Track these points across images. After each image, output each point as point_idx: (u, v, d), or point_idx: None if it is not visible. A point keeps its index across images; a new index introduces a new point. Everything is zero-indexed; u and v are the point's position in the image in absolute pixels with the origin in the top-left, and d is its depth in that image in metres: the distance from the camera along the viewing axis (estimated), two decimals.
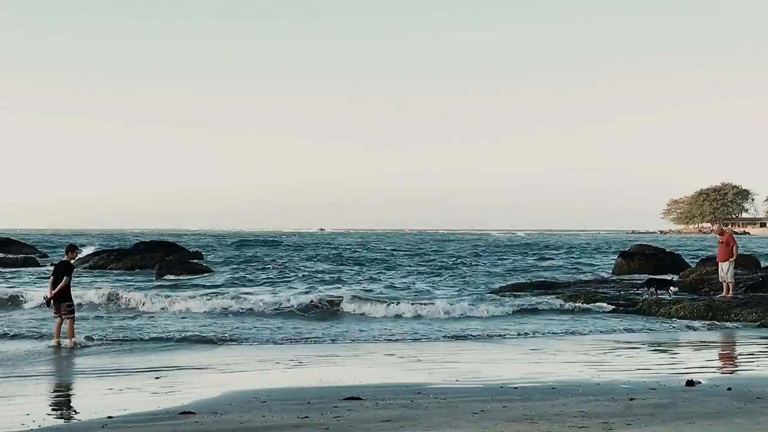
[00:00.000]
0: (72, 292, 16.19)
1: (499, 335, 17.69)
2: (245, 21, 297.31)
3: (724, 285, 23.30)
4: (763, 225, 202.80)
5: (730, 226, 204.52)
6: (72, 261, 16.37)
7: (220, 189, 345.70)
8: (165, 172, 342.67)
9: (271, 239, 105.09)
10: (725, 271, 23.20)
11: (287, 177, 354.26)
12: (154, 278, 33.86)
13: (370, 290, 28.74)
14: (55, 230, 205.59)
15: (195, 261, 42.27)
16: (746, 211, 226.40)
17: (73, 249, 16.51)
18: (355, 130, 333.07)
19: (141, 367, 12.99)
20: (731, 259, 23.22)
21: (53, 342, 15.62)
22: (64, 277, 15.83)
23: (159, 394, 10.58)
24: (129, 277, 34.42)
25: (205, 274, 36.53)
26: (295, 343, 16.29)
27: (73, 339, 15.59)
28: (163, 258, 39.43)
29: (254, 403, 9.22)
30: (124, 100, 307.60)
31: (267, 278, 35.02)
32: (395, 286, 31.02)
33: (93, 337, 16.42)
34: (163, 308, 22.20)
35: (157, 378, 11.86)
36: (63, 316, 15.76)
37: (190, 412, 8.66)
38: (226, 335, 17.19)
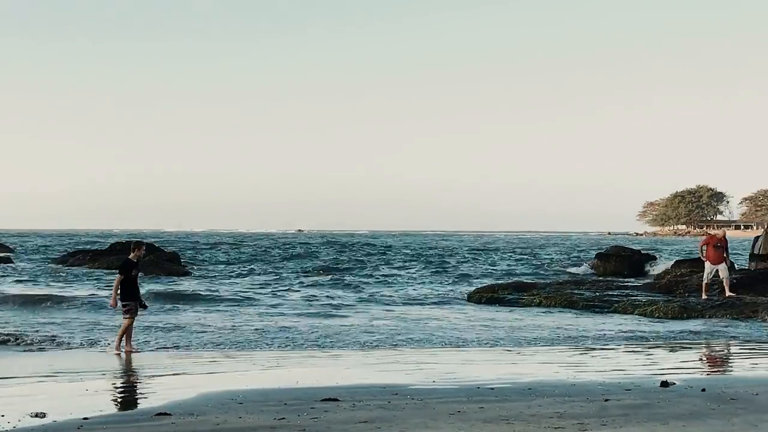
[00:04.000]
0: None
1: None
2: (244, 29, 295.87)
3: (705, 285, 23.57)
4: (737, 227, 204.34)
5: (705, 228, 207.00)
6: (134, 258, 15.70)
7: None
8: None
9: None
10: (722, 271, 23.48)
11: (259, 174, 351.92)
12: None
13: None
14: None
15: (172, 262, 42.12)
16: (721, 213, 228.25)
17: (139, 246, 16.04)
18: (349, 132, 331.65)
19: (117, 368, 12.94)
20: (727, 262, 23.71)
21: (124, 347, 15.17)
22: (117, 275, 15.55)
23: (135, 394, 10.54)
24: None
25: (182, 277, 36.40)
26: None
27: (130, 345, 15.09)
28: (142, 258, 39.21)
29: (231, 404, 9.19)
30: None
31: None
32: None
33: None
34: None
35: (132, 379, 11.82)
36: (123, 317, 15.39)
37: (166, 413, 8.63)
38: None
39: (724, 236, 24.55)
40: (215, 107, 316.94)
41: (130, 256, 15.79)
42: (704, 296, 23.32)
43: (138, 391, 10.99)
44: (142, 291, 16.07)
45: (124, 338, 15.22)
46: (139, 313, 15.59)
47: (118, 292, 15.32)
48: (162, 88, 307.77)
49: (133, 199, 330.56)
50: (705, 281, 23.83)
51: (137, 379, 12.24)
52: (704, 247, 24.17)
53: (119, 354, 14.96)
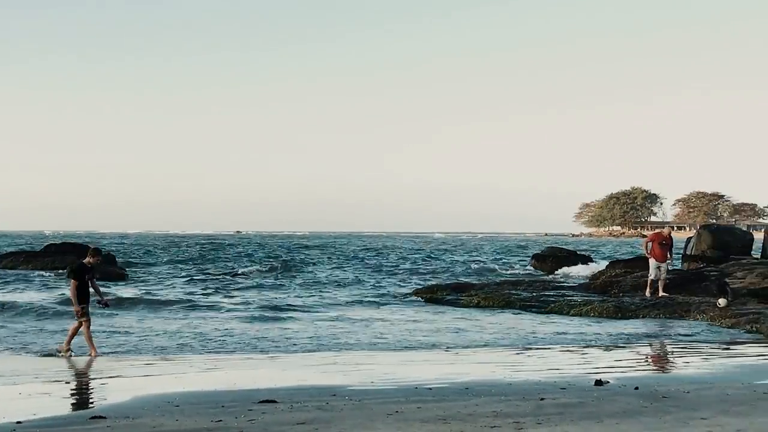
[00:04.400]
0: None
1: None
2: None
3: (650, 282, 23.77)
4: (671, 228, 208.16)
5: (639, 229, 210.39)
6: (88, 263, 15.47)
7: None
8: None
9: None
10: (663, 270, 23.81)
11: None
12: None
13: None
14: None
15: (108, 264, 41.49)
16: (655, 214, 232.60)
17: (95, 254, 15.75)
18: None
19: (51, 372, 12.74)
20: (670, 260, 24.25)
21: (61, 347, 15.08)
22: (72, 281, 15.27)
23: (70, 398, 10.41)
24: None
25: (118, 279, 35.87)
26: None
27: (93, 351, 14.82)
28: (76, 260, 38.63)
29: (167, 407, 9.13)
30: None
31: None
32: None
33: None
34: None
35: (67, 383, 11.66)
36: (76, 320, 15.12)
37: (101, 417, 8.54)
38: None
39: (670, 235, 24.88)
40: (148, 105, 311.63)
41: (85, 260, 15.64)
42: (648, 294, 23.51)
43: (73, 395, 10.85)
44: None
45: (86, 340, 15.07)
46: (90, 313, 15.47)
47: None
48: (102, 84, 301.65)
49: (65, 198, 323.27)
50: (651, 278, 23.96)
51: (72, 383, 12.07)
52: (650, 244, 24.34)
53: (95, 355, 14.73)
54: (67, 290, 16.13)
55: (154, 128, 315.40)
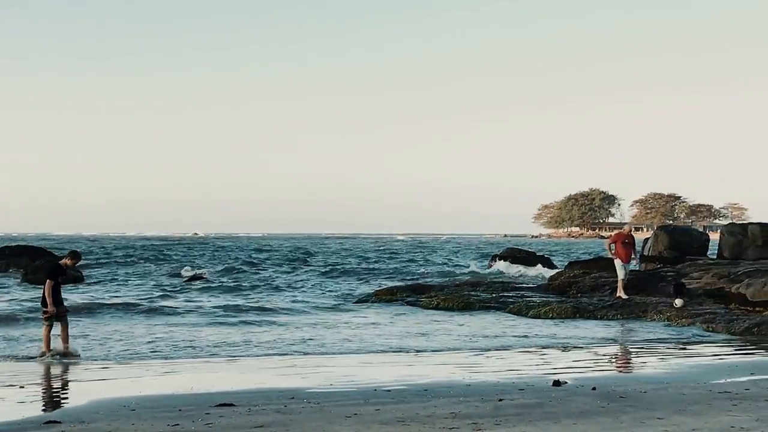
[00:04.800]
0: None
1: None
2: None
3: (621, 282, 23.75)
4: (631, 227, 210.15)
5: (597, 230, 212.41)
6: (64, 265, 15.41)
7: None
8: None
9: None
10: (627, 270, 23.94)
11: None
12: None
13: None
14: None
15: None
16: (613, 215, 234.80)
17: (76, 257, 15.70)
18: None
19: (4, 377, 12.56)
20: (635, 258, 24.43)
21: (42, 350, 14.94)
22: (48, 281, 15.04)
23: (24, 403, 10.25)
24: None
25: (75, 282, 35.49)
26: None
27: (47, 350, 14.76)
28: (30, 263, 38.21)
29: (123, 412, 9.02)
30: None
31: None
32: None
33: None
34: None
35: (22, 387, 11.49)
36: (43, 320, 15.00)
37: (55, 422, 8.43)
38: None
39: (630, 233, 25.02)
40: (105, 104, 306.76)
41: (60, 262, 15.48)
42: (624, 295, 23.45)
43: (27, 399, 10.67)
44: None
45: (55, 341, 14.99)
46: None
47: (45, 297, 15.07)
48: (53, 82, 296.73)
49: (18, 200, 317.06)
50: (621, 278, 23.88)
51: (27, 387, 11.88)
52: (613, 245, 24.31)
53: (43, 352, 14.70)
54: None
55: (111, 131, 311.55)
